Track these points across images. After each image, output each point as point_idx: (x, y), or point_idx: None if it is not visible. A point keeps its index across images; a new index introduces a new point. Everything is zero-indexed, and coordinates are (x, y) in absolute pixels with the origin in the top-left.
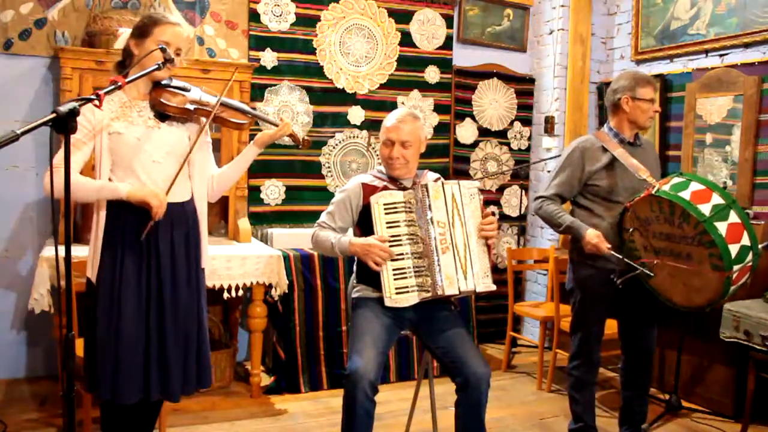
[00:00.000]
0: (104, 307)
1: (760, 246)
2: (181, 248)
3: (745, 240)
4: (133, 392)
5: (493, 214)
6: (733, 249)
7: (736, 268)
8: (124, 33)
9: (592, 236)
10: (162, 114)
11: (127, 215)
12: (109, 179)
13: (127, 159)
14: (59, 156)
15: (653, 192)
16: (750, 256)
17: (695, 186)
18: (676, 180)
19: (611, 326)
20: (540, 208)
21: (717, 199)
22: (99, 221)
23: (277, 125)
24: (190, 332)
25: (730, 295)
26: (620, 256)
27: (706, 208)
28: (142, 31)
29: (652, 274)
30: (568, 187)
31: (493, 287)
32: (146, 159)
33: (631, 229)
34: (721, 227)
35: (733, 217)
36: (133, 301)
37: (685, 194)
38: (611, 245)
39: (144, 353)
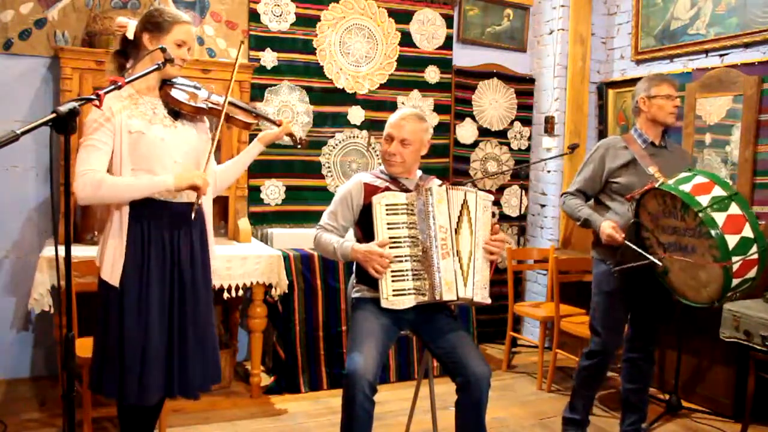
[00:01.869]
0: (132, 311)
1: None
2: (198, 248)
3: (747, 232)
4: (156, 393)
5: (493, 215)
6: (732, 240)
7: (735, 259)
8: (131, 23)
9: (607, 227)
10: (175, 112)
11: (149, 218)
12: None
13: (149, 160)
14: (81, 163)
15: (656, 186)
16: (754, 248)
17: (699, 179)
18: (683, 174)
19: None
20: (564, 203)
21: (718, 191)
22: (122, 226)
23: (277, 124)
24: (207, 331)
25: (738, 289)
26: (635, 247)
27: (704, 200)
28: (159, 27)
29: (660, 264)
30: (591, 184)
31: (489, 301)
32: (168, 160)
33: (644, 226)
34: (719, 218)
35: (734, 209)
36: (158, 304)
37: (687, 187)
38: (630, 239)
39: (167, 354)
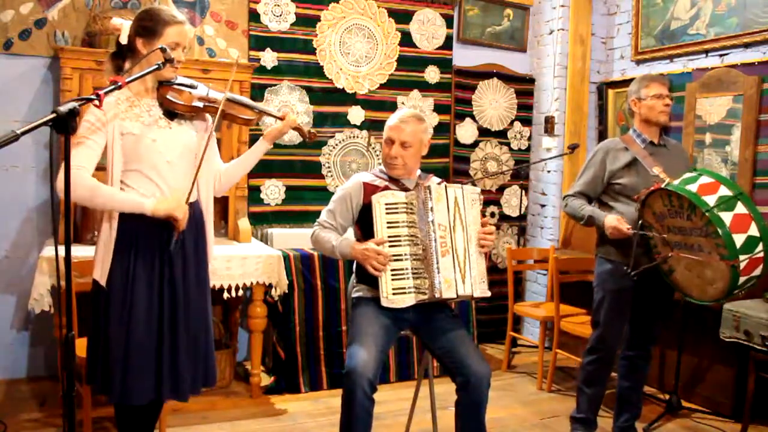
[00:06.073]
0: (116, 310)
1: None
2: (191, 251)
3: (753, 231)
4: (143, 393)
5: (492, 215)
6: (739, 238)
7: (743, 257)
8: (125, 25)
9: (612, 220)
10: (170, 112)
11: (140, 221)
12: (121, 182)
13: (141, 161)
14: (73, 158)
15: (663, 186)
16: (760, 247)
17: (704, 179)
18: (688, 175)
19: None
20: (566, 205)
21: (724, 190)
22: (111, 225)
23: (281, 118)
24: (199, 332)
25: (744, 287)
26: (643, 232)
27: (711, 199)
28: (151, 31)
29: (667, 265)
30: (592, 186)
31: (488, 293)
32: (160, 160)
33: (648, 225)
34: (726, 217)
35: (741, 208)
36: (144, 304)
37: (693, 187)
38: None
39: (156, 355)
